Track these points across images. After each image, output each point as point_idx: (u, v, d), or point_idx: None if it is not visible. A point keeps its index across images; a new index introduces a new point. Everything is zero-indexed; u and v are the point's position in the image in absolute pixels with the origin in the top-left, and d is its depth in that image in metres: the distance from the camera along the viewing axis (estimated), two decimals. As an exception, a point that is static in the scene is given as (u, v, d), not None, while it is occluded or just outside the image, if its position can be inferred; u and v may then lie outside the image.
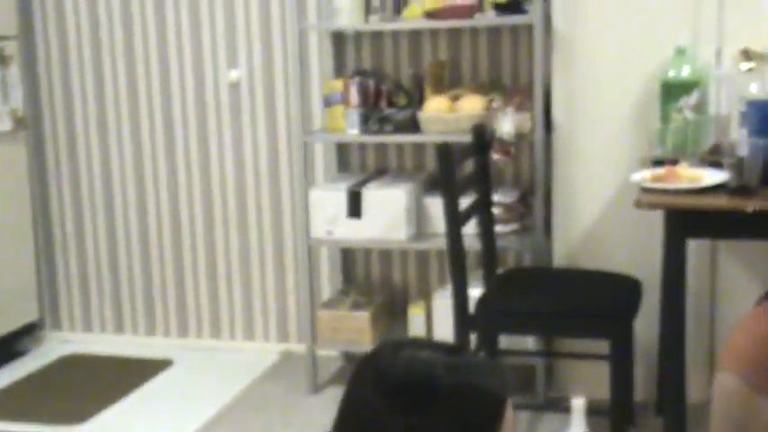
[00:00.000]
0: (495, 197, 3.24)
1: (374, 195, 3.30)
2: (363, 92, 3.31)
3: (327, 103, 3.38)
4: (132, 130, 3.84)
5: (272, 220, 3.76)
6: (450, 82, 3.40)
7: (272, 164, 3.71)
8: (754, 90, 2.60)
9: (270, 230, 3.77)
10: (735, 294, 3.02)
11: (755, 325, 1.80)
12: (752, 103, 2.57)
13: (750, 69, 2.78)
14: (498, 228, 3.20)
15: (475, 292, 2.90)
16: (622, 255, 3.09)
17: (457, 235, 2.76)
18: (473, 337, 2.86)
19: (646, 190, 2.56)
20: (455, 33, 3.40)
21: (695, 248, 3.00)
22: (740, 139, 2.49)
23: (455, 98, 3.25)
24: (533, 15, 3.04)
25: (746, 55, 2.84)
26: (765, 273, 3.00)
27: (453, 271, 2.80)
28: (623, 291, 2.82)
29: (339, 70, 3.52)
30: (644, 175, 2.63)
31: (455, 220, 2.76)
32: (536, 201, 3.18)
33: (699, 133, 2.88)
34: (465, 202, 2.89)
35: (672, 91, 2.89)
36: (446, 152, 2.72)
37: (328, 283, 3.74)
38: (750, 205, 2.38)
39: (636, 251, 3.07)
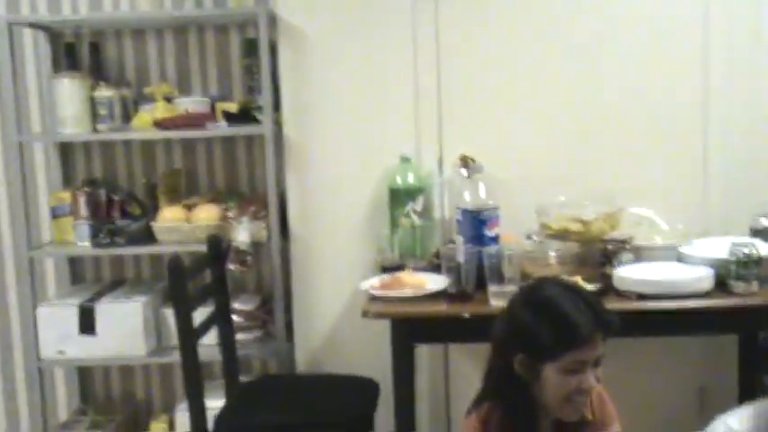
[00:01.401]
0: (236, 305, 3.21)
1: (108, 309, 3.15)
2: (93, 203, 3.19)
3: (55, 215, 3.23)
4: None
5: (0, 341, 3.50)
6: (186, 190, 3.35)
7: (-3, 281, 3.47)
8: (468, 198, 2.74)
9: (-3, 352, 3.51)
10: (468, 393, 3.12)
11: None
12: (466, 211, 2.71)
13: (468, 176, 2.95)
14: (241, 336, 3.16)
15: (219, 404, 2.83)
16: (362, 357, 3.12)
17: (190, 349, 2.67)
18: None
19: (373, 298, 2.62)
20: (190, 141, 3.37)
21: (429, 348, 3.10)
22: (457, 245, 2.61)
23: (191, 207, 3.20)
24: (264, 125, 3.08)
25: (465, 162, 3.01)
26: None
27: (188, 386, 2.71)
28: (361, 395, 2.85)
29: (68, 181, 3.38)
30: (372, 283, 2.69)
31: (188, 333, 2.68)
32: (276, 307, 3.16)
33: (426, 238, 3.00)
34: (205, 311, 2.84)
35: (399, 197, 3.00)
36: (176, 266, 2.65)
37: (65, 404, 3.50)
38: (467, 310, 2.49)
39: (375, 353, 3.10)
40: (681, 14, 3.02)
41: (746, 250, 2.46)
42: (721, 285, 2.52)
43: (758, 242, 2.59)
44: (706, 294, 2.49)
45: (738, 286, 2.47)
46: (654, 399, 3.18)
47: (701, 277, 2.50)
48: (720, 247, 2.56)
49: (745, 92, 3.02)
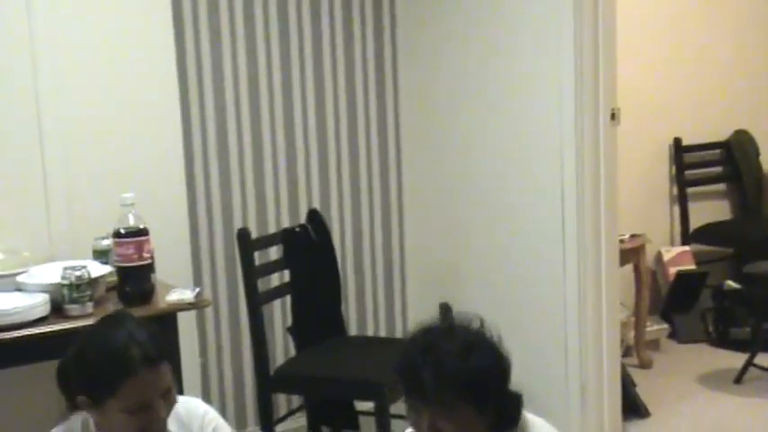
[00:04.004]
0: None
1: None
2: None
3: None
4: None
5: None
6: None
7: None
8: None
9: None
10: None
11: None
12: None
13: None
14: None
15: None
16: None
17: None
18: None
19: None
20: None
21: None
22: None
23: None
24: None
25: None
26: None
27: None
28: None
29: None
30: None
31: None
32: None
33: None
34: None
35: None
36: None
37: None
38: None
39: None
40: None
41: (78, 273, 2.49)
42: (59, 310, 2.51)
43: (92, 264, 2.64)
44: (42, 321, 2.47)
45: (74, 309, 2.49)
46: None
47: (35, 304, 2.47)
48: (57, 272, 2.54)
49: (79, 107, 3.03)
